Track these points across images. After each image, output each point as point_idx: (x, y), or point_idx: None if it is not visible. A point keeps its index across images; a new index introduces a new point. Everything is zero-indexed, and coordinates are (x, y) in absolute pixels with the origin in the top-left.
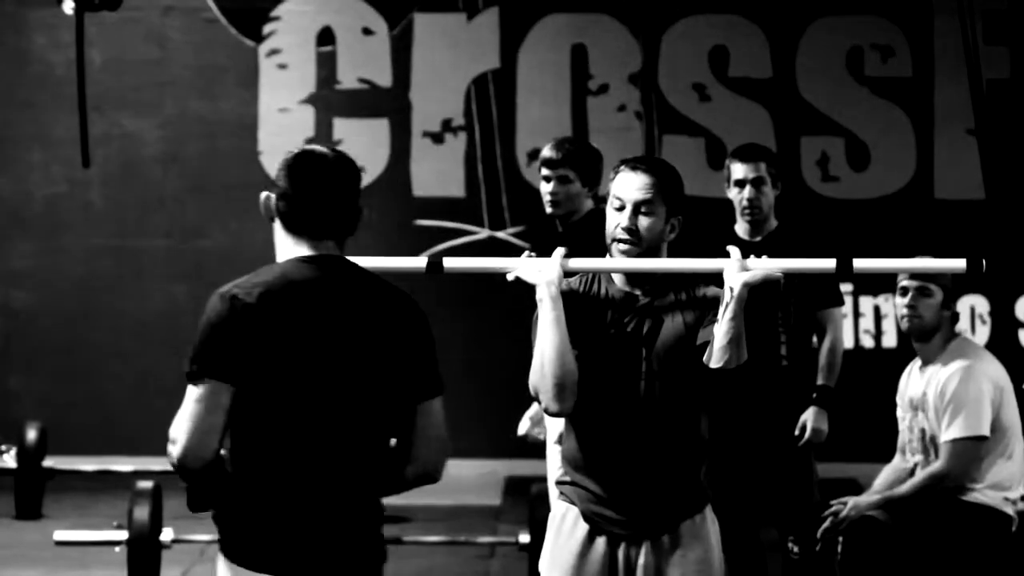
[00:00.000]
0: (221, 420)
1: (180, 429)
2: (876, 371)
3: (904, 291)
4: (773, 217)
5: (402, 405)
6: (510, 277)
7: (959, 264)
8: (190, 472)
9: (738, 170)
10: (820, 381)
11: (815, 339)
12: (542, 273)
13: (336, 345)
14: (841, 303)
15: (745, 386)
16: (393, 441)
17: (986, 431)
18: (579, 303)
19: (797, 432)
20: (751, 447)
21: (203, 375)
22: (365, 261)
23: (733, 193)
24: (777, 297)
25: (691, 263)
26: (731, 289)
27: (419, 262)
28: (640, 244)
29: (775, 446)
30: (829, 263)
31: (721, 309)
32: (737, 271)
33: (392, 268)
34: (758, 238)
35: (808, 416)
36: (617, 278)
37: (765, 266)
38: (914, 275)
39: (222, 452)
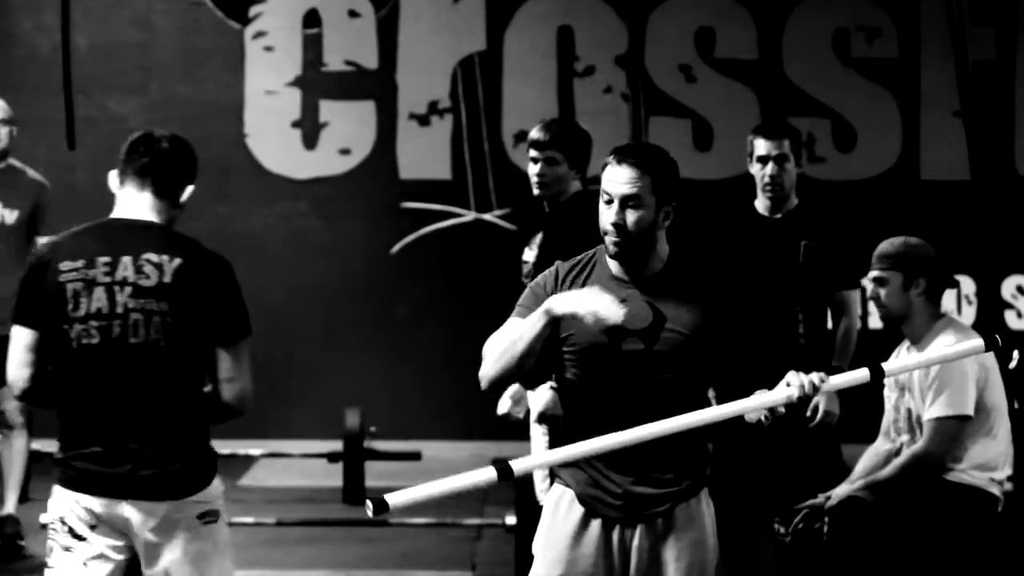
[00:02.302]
0: (31, 358)
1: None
2: (863, 352)
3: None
4: (794, 195)
5: (206, 348)
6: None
7: (978, 343)
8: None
9: (761, 146)
10: (834, 363)
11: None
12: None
13: (127, 296)
14: (857, 286)
15: (762, 365)
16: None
17: (970, 411)
18: (572, 287)
19: (808, 414)
20: (764, 428)
21: (12, 320)
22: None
23: (755, 169)
24: (794, 279)
25: (741, 406)
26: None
27: (487, 473)
28: (628, 238)
29: (791, 427)
30: (863, 373)
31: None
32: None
33: (461, 487)
34: (778, 215)
35: (820, 399)
36: (613, 265)
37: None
38: (874, 266)
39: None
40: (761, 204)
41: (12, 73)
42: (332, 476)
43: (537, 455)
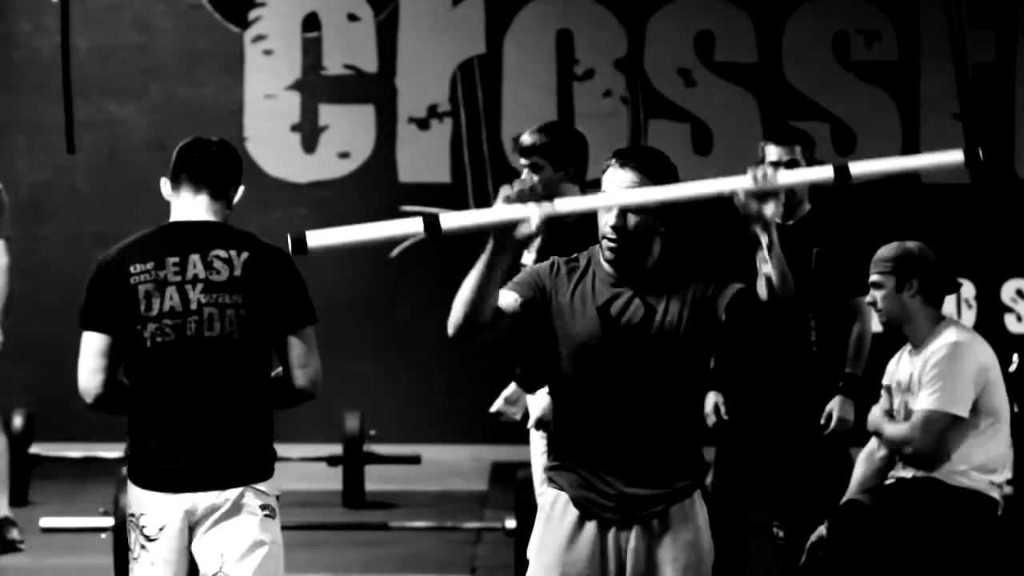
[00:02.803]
0: (103, 363)
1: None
2: (871, 355)
3: None
4: (807, 201)
5: (275, 337)
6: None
7: (957, 157)
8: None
9: (772, 152)
10: (847, 370)
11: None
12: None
13: (197, 291)
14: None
15: (774, 371)
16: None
17: (960, 411)
18: (566, 290)
19: (823, 421)
20: (776, 432)
21: (83, 327)
22: (356, 229)
23: None
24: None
25: (697, 187)
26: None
27: (414, 224)
28: (627, 242)
29: (803, 432)
30: (827, 172)
31: (764, 244)
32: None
33: (385, 236)
34: (791, 221)
35: (834, 405)
36: (607, 267)
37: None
38: (871, 271)
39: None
40: None
41: (12, 76)
42: (332, 480)
43: (470, 212)
